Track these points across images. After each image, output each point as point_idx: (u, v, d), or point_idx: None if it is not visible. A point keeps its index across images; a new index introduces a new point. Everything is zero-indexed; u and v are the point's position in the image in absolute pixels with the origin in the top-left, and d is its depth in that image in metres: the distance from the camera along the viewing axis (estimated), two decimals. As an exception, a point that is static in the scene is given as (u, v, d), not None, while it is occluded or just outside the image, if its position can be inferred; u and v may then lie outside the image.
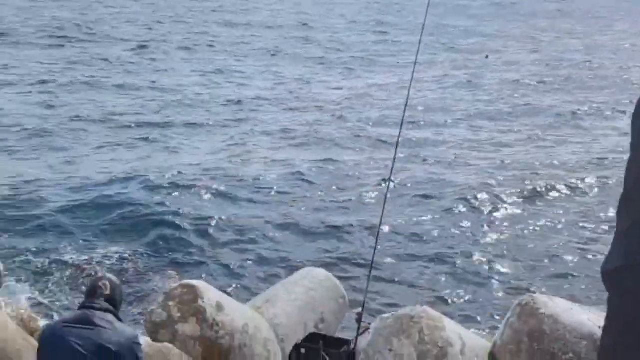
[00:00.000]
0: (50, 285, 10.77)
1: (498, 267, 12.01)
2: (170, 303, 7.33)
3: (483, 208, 14.40)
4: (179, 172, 15.79)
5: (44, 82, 23.92)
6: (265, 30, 40.70)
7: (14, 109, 20.53)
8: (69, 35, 34.06)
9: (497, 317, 10.13)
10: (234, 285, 10.81)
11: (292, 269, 10.68)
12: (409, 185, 15.41)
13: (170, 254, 11.83)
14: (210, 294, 7.53)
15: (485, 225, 13.69)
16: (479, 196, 14.92)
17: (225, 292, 8.45)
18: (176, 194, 14.54)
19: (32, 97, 22.09)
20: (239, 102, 22.92)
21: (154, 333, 7.26)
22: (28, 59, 27.98)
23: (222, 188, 14.86)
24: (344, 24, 45.46)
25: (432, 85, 26.92)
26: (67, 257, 11.59)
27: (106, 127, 19.17)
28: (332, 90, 25.53)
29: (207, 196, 14.56)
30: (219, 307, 7.42)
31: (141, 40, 34.25)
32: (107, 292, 5.27)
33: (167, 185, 14.93)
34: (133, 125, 19.45)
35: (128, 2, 48.81)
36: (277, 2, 54.63)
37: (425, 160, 17.38)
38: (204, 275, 10.72)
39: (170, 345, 7.03)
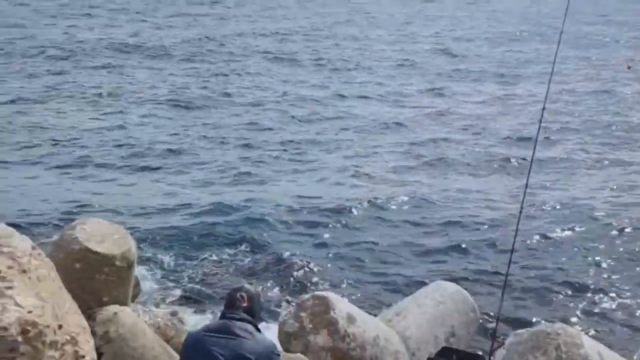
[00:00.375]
0: (185, 291, 11.04)
1: (633, 287, 11.57)
2: (302, 314, 7.43)
3: (620, 229, 13.82)
4: (305, 190, 15.93)
5: (178, 96, 24.57)
6: (394, 43, 40.60)
7: (150, 123, 21.20)
8: (202, 50, 34.96)
9: (637, 337, 9.79)
10: (363, 299, 10.80)
11: (421, 283, 10.63)
12: (543, 204, 14.97)
13: (300, 266, 11.91)
14: (341, 305, 7.58)
15: (621, 247, 13.16)
16: (617, 216, 14.37)
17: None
18: (303, 210, 14.62)
19: (168, 111, 22.72)
20: (367, 118, 22.78)
21: (287, 343, 7.37)
22: (164, 73, 28.89)
23: (348, 206, 14.80)
24: (477, 34, 44.76)
25: (566, 97, 25.89)
26: (201, 266, 11.87)
27: (237, 143, 19.44)
28: (463, 105, 24.88)
29: (334, 213, 14.55)
30: (350, 319, 7.45)
31: (273, 54, 34.79)
32: (245, 303, 5.39)
33: (294, 201, 15.08)
34: (262, 140, 19.66)
35: (259, 18, 49.76)
36: (406, 16, 54.43)
37: (559, 178, 16.81)
38: (333, 288, 10.77)
39: (302, 356, 7.11)
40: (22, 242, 4.14)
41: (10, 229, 4.22)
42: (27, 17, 45.01)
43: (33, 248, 4.16)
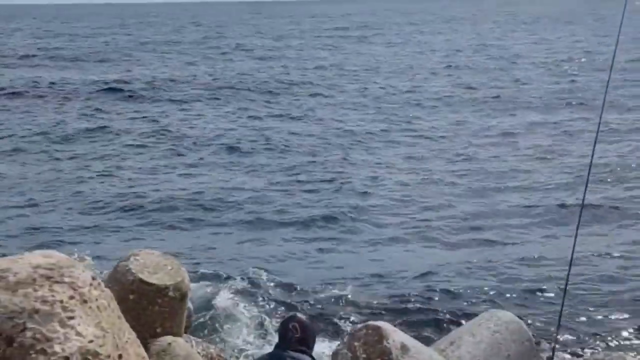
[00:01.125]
0: (238, 321, 11.06)
1: None
2: (356, 344, 7.40)
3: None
4: (355, 215, 16.04)
5: (233, 139, 24.89)
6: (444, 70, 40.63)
7: (208, 165, 21.43)
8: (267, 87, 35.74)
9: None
10: (416, 328, 10.73)
11: (475, 311, 10.53)
12: (597, 234, 14.64)
13: (352, 295, 11.92)
14: (395, 335, 7.53)
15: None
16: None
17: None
18: (355, 242, 14.81)
19: (226, 154, 22.94)
20: (418, 157, 22.47)
21: (340, 373, 7.34)
22: (222, 114, 29.44)
23: (400, 238, 14.90)
24: (530, 61, 44.26)
25: (622, 128, 24.57)
26: (253, 295, 11.90)
27: (296, 187, 19.11)
28: (515, 137, 24.05)
29: (387, 242, 14.70)
30: (404, 349, 7.40)
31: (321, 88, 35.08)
32: (298, 334, 5.39)
33: (340, 233, 15.26)
34: (321, 187, 19.25)
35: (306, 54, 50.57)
36: (456, 44, 54.56)
37: (617, 221, 15.98)
38: (386, 318, 10.71)
39: (356, 386, 7.08)
40: (82, 273, 4.21)
41: (71, 259, 4.30)
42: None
43: (93, 278, 4.24)
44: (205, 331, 10.70)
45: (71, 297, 3.97)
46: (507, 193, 17.77)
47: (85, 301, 4.01)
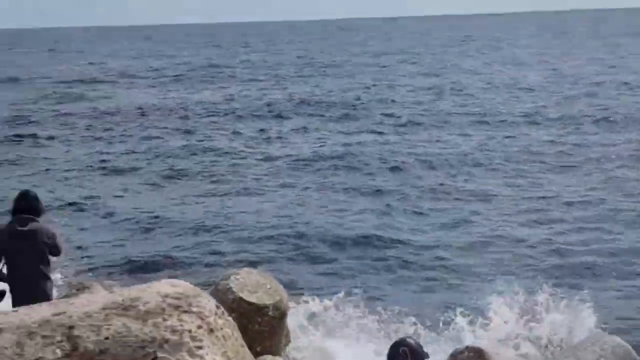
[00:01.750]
0: (338, 341, 11.05)
1: None
2: (458, 366, 7.43)
3: None
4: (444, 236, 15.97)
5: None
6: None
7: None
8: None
9: None
10: (516, 350, 10.60)
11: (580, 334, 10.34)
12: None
13: (454, 317, 11.75)
14: (496, 358, 7.53)
15: None
16: None
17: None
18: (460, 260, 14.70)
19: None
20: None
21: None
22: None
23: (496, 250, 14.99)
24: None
25: None
26: (355, 317, 11.85)
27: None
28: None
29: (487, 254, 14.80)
30: (509, 372, 7.40)
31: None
32: (408, 358, 5.45)
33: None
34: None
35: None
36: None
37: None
38: (487, 340, 10.62)
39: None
40: (208, 302, 4.38)
41: (197, 288, 4.46)
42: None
43: (217, 307, 4.39)
44: (304, 351, 10.71)
45: (199, 327, 4.12)
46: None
47: (212, 330, 4.16)
